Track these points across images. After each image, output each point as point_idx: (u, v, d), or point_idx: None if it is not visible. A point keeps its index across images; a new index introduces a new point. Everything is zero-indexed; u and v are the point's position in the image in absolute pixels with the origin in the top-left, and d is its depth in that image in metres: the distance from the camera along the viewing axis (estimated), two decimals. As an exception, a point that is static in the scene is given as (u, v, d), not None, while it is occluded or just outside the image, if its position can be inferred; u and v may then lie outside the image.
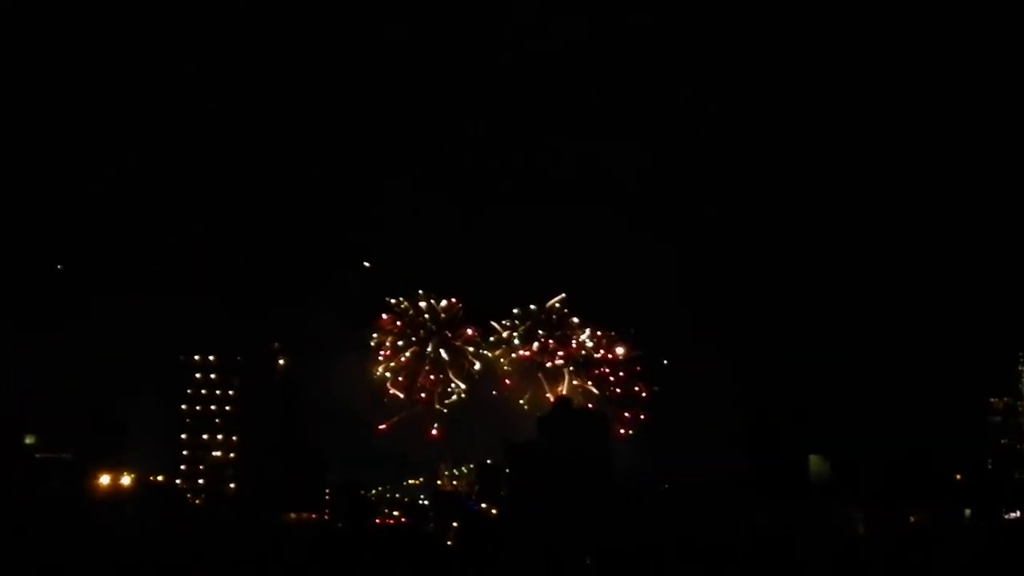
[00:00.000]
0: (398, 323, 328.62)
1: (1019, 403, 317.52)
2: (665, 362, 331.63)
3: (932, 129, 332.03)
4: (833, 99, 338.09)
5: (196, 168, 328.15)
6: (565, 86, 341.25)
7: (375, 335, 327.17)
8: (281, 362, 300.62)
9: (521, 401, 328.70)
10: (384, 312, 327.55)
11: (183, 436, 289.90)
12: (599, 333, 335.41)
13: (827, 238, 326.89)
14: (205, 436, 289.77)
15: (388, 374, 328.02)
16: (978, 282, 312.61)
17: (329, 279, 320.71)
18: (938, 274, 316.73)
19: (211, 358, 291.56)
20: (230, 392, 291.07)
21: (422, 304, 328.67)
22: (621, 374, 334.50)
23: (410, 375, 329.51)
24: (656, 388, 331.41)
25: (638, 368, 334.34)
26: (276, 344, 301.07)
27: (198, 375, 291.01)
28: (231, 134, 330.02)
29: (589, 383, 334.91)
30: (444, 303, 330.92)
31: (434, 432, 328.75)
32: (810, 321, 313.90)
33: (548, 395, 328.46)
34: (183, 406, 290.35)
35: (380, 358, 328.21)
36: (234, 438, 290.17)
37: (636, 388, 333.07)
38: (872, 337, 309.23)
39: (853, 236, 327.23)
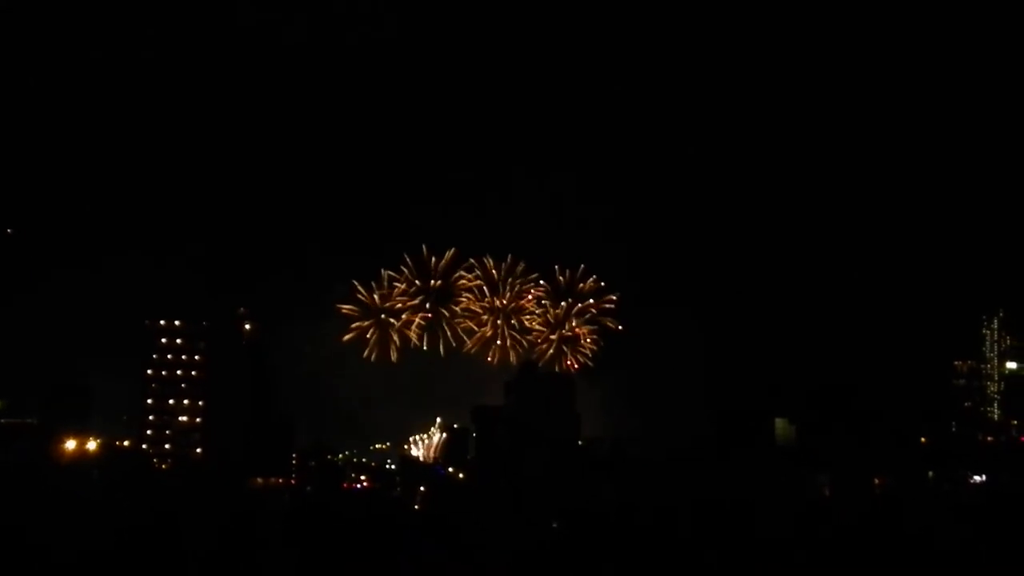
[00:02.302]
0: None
1: (983, 366, 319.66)
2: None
3: (895, 100, 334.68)
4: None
5: (166, 134, 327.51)
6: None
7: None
8: (248, 327, 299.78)
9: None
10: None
11: (149, 401, 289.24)
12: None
13: (797, 207, 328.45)
14: (171, 401, 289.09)
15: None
16: (942, 247, 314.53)
17: (297, 247, 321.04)
18: (903, 240, 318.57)
19: (177, 323, 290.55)
20: (196, 357, 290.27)
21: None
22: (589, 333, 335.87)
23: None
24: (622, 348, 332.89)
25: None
26: (242, 309, 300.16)
27: (164, 340, 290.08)
28: (200, 102, 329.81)
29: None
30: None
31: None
32: (776, 287, 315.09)
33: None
34: (149, 371, 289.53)
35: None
36: (200, 403, 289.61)
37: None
38: (838, 302, 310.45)
39: (820, 205, 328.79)
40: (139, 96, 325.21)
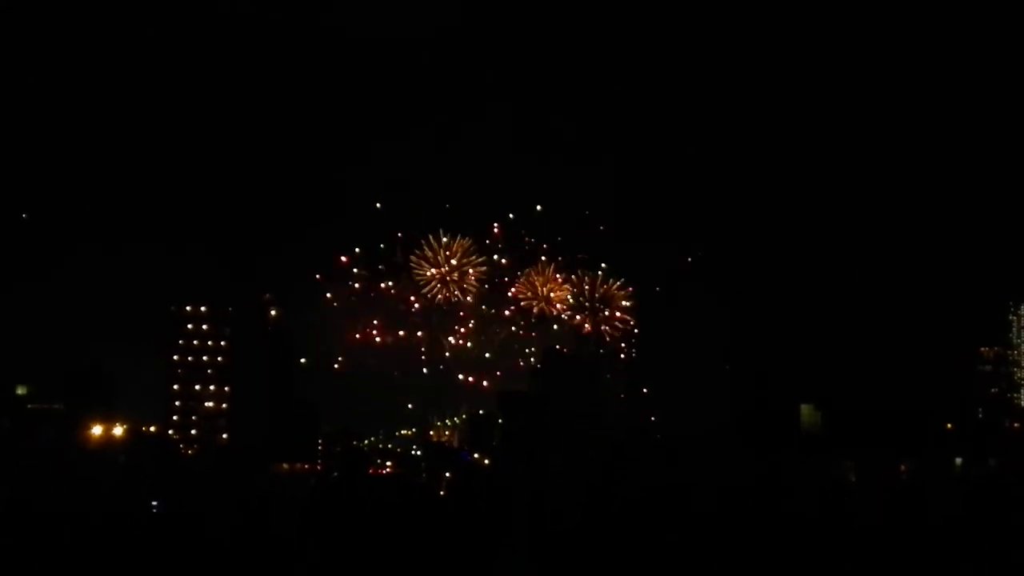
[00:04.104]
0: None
1: (1009, 352, 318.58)
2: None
3: (917, 83, 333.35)
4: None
5: (191, 121, 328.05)
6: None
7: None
8: (273, 313, 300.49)
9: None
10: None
11: (175, 387, 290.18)
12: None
13: (822, 192, 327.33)
14: (197, 387, 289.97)
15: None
16: (968, 234, 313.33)
17: (321, 231, 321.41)
18: (929, 226, 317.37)
19: (203, 309, 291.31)
20: (222, 343, 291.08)
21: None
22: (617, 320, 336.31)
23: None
24: (647, 337, 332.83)
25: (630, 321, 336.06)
26: (267, 295, 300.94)
27: (190, 326, 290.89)
28: (222, 90, 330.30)
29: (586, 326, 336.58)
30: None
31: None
32: (803, 273, 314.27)
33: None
34: (175, 357, 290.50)
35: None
36: (226, 389, 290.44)
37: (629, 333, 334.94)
38: (864, 288, 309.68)
39: (846, 189, 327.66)
40: (165, 87, 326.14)
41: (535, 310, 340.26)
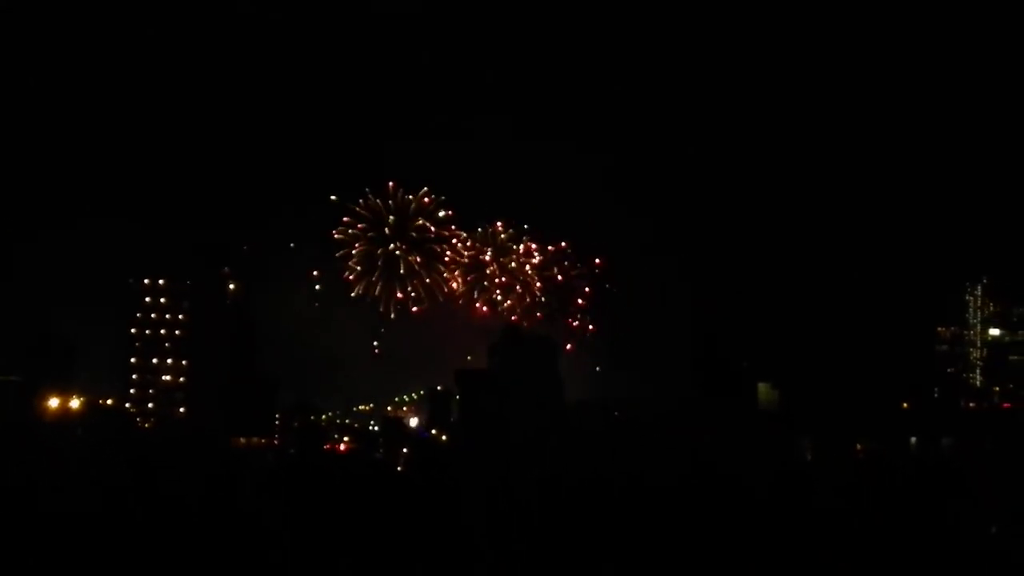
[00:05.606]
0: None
1: (965, 332, 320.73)
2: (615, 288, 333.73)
3: (876, 68, 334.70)
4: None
5: (151, 91, 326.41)
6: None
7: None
8: (232, 287, 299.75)
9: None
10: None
11: (133, 360, 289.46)
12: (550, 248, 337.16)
13: (780, 169, 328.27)
14: (155, 360, 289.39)
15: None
16: (925, 213, 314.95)
17: (281, 203, 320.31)
18: (886, 204, 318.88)
19: (161, 282, 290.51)
20: (180, 316, 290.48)
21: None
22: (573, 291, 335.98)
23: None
24: (605, 315, 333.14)
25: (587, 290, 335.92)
26: (226, 268, 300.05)
27: (148, 299, 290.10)
28: (186, 59, 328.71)
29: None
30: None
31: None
32: (760, 250, 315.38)
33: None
34: (133, 330, 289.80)
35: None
36: (184, 362, 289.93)
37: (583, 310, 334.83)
38: (821, 266, 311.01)
39: (804, 168, 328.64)
40: (121, 61, 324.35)
41: (481, 305, 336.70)
